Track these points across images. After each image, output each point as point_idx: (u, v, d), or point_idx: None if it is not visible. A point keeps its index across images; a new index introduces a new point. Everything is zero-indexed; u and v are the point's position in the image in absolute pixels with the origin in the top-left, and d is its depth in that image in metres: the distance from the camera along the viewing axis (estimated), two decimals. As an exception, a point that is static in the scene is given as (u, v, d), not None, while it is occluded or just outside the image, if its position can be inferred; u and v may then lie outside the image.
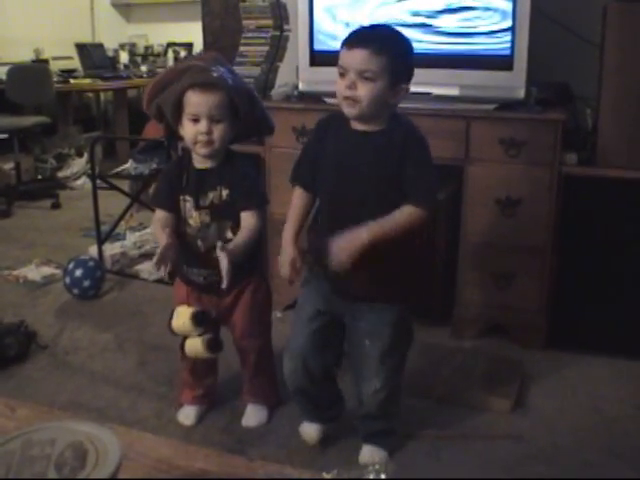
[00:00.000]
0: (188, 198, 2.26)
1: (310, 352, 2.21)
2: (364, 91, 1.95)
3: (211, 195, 2.24)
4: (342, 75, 1.98)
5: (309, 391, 2.29)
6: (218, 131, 2.18)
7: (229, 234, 2.26)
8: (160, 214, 2.30)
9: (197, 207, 2.24)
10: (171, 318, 2.23)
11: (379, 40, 1.98)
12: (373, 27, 2.12)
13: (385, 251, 2.03)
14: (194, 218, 2.26)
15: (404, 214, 2.01)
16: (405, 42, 2.05)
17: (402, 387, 2.29)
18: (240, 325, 2.38)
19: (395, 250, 2.05)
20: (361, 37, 2.01)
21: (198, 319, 2.20)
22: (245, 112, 2.23)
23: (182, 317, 2.21)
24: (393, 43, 2.02)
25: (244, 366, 2.51)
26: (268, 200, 2.38)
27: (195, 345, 2.24)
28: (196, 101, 2.16)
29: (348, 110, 2.01)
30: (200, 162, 2.27)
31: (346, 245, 1.97)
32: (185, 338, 2.25)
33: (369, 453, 2.25)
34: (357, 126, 2.06)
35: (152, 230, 2.37)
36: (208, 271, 2.29)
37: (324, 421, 2.35)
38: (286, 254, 2.17)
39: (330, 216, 2.14)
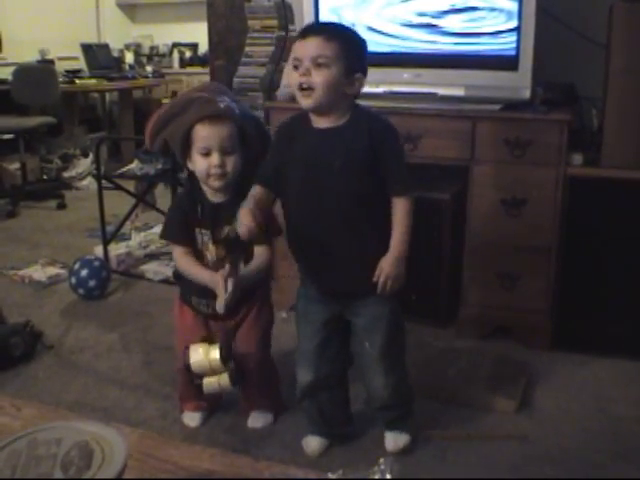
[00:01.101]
0: (205, 231, 2.23)
1: (320, 360, 2.24)
2: (319, 78, 1.97)
3: (226, 229, 2.20)
4: (296, 67, 2.01)
5: (321, 399, 2.29)
6: (230, 163, 2.16)
7: (242, 266, 2.23)
8: (181, 248, 2.27)
9: (214, 240, 2.22)
10: (186, 357, 2.16)
11: (330, 28, 2.07)
12: (324, 22, 2.15)
13: (369, 244, 2.09)
14: (210, 251, 2.23)
15: (405, 211, 2.07)
16: (356, 33, 2.11)
17: (408, 374, 2.30)
18: (242, 346, 2.34)
19: (378, 242, 2.09)
20: (313, 28, 2.09)
21: (227, 355, 2.15)
22: (254, 140, 2.22)
23: (206, 357, 2.14)
24: (344, 31, 2.08)
25: (244, 383, 2.47)
26: (281, 231, 2.33)
27: (220, 381, 2.18)
28: (206, 134, 2.14)
29: (304, 101, 2.01)
30: (213, 195, 2.25)
31: (397, 272, 2.06)
32: (201, 376, 2.19)
33: (393, 439, 2.28)
34: (320, 123, 2.06)
35: (182, 267, 2.30)
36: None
37: (328, 436, 2.35)
38: (245, 212, 2.00)
39: (308, 222, 2.13)
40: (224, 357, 2.15)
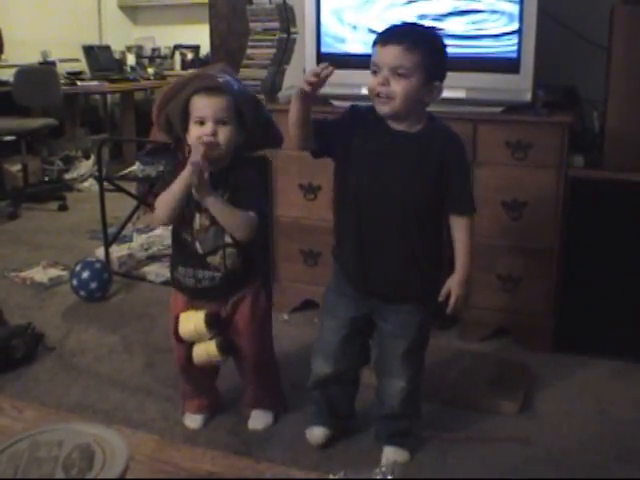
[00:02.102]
0: (191, 200, 2.23)
1: (342, 355, 2.25)
2: (398, 87, 1.95)
3: None
4: (375, 72, 1.99)
5: (331, 391, 2.31)
6: (223, 133, 2.16)
7: (227, 238, 2.23)
8: None
9: (199, 209, 2.23)
10: (176, 325, 2.26)
11: (413, 36, 1.99)
12: (406, 24, 2.14)
13: (417, 253, 2.10)
14: (195, 220, 2.24)
15: (468, 231, 2.10)
16: (439, 40, 2.07)
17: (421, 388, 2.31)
18: (238, 337, 2.33)
19: (425, 253, 2.11)
20: (394, 34, 2.02)
21: (211, 321, 2.22)
22: (251, 118, 2.23)
23: (192, 321, 2.22)
24: (427, 40, 2.03)
25: (245, 377, 2.48)
26: (267, 214, 2.31)
27: (206, 349, 2.25)
28: (201, 104, 2.15)
29: (381, 108, 2.00)
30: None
31: (464, 293, 2.12)
32: (191, 346, 2.27)
33: (392, 454, 2.25)
34: (394, 125, 2.05)
35: (161, 198, 2.27)
36: (203, 273, 2.27)
37: (332, 427, 2.35)
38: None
39: (362, 217, 2.11)
40: (208, 322, 2.21)
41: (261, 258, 2.42)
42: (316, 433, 2.34)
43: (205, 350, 2.26)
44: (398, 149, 2.05)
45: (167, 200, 2.19)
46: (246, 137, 2.25)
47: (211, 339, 2.24)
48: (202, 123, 2.16)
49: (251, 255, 2.31)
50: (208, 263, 2.26)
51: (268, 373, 2.47)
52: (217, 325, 2.25)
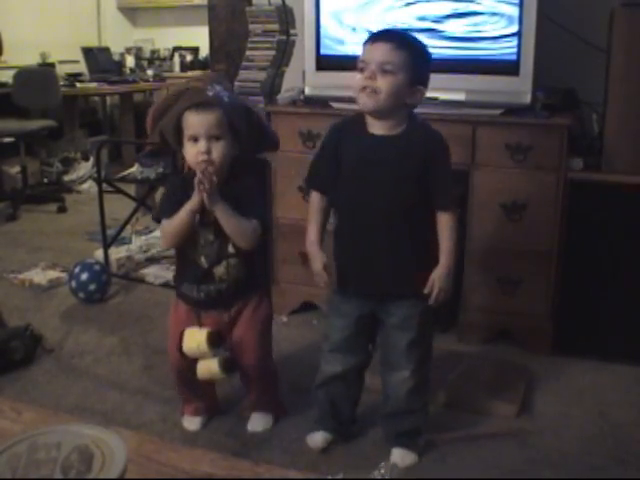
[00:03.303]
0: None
1: (350, 353, 2.28)
2: (383, 83, 2.01)
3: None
4: (362, 70, 2.05)
5: (336, 391, 2.32)
6: (217, 149, 2.17)
7: (231, 249, 2.25)
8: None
9: (202, 224, 2.23)
10: (180, 339, 2.27)
11: (401, 37, 2.10)
12: (396, 29, 2.23)
13: (408, 252, 2.14)
14: (200, 235, 2.25)
15: (450, 225, 2.14)
16: (425, 47, 2.15)
17: (429, 388, 2.33)
18: (240, 342, 2.33)
19: (416, 251, 2.16)
20: (384, 33, 2.13)
21: (214, 340, 2.24)
22: (243, 129, 2.23)
23: (196, 339, 2.24)
24: (413, 42, 2.12)
25: (245, 382, 2.49)
26: (267, 222, 2.34)
27: (209, 367, 2.26)
28: (193, 121, 2.16)
29: (365, 102, 2.05)
30: None
31: (447, 285, 2.15)
32: (196, 361, 2.28)
33: (400, 457, 2.26)
34: (375, 130, 2.10)
35: (169, 228, 2.27)
36: (209, 287, 2.29)
37: (334, 432, 2.36)
38: (317, 261, 2.23)
39: (352, 223, 2.19)
40: (211, 341, 2.23)
41: (262, 266, 2.44)
42: (317, 437, 2.35)
43: (207, 367, 2.27)
44: (379, 154, 2.10)
45: (174, 228, 2.23)
46: (241, 146, 2.26)
47: (214, 357, 2.26)
48: (196, 140, 2.17)
49: (253, 264, 2.34)
50: (213, 275, 2.28)
51: (268, 378, 2.47)
52: (220, 344, 2.27)
